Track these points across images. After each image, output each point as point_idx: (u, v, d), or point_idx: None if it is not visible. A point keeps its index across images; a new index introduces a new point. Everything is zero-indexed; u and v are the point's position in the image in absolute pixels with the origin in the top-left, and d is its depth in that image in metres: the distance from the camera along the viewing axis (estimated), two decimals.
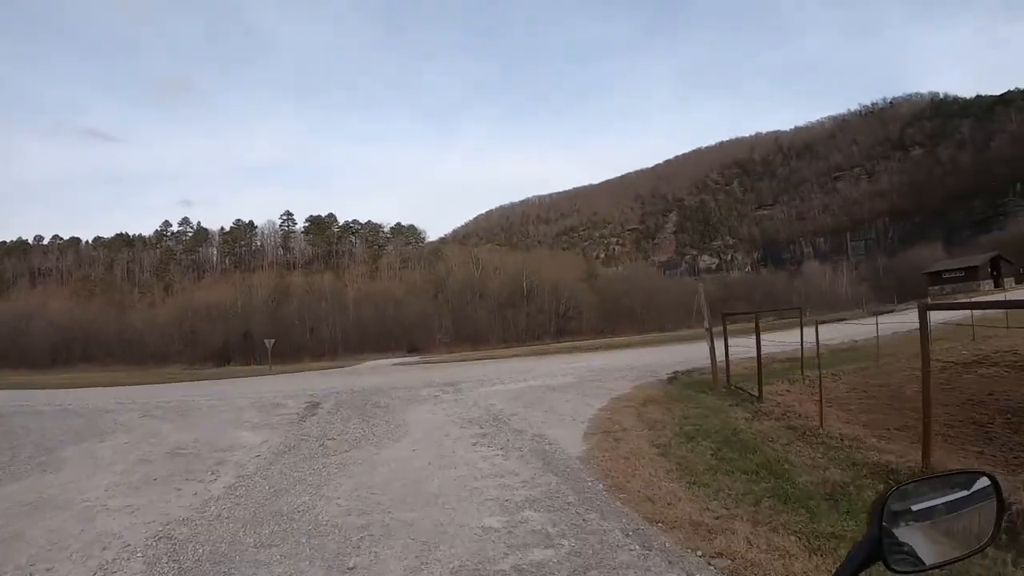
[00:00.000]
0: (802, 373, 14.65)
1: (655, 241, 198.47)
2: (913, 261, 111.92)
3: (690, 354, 21.71)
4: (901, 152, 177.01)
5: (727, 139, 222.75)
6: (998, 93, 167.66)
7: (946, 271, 73.61)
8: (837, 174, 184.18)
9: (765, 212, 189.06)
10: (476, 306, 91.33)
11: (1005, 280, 69.43)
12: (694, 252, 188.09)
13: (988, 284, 68.39)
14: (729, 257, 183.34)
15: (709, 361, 15.86)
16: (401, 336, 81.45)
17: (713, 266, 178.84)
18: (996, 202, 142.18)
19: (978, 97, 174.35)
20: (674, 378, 17.00)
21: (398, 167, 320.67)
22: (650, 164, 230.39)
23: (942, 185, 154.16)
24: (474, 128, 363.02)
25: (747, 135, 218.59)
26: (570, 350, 44.16)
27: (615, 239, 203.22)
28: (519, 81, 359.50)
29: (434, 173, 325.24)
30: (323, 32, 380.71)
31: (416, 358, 57.09)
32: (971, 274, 69.85)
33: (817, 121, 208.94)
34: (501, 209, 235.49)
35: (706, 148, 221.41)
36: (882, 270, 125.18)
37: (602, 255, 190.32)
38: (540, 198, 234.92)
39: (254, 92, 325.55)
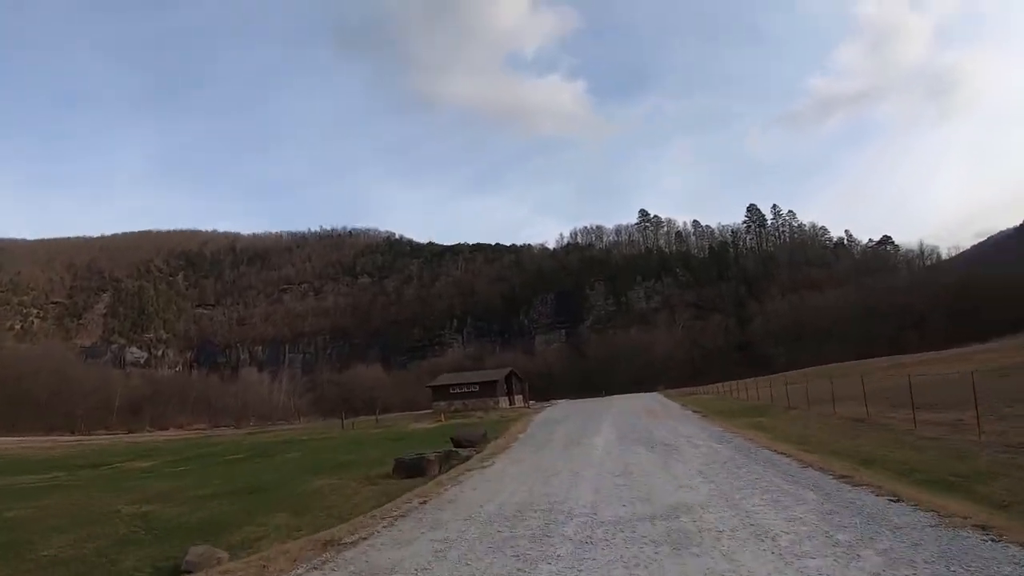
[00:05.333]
0: None
1: (81, 321, 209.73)
2: (356, 377, 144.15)
3: None
4: (351, 277, 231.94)
5: (183, 228, 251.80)
6: (448, 244, 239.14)
7: (456, 385, 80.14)
8: (286, 286, 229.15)
9: (206, 311, 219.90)
10: None
11: (515, 397, 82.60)
12: (123, 341, 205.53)
13: (504, 399, 77.63)
14: (160, 352, 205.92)
15: None
16: None
17: (142, 360, 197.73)
18: (433, 333, 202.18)
19: (430, 243, 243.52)
20: None
21: None
22: (95, 234, 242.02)
23: (385, 312, 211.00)
24: None
25: (205, 229, 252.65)
26: None
27: (36, 310, 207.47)
28: None
29: None
30: None
31: None
32: (488, 389, 77.18)
33: (276, 232, 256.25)
34: None
35: (158, 232, 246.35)
36: (325, 384, 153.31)
37: (18, 325, 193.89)
38: None
39: None
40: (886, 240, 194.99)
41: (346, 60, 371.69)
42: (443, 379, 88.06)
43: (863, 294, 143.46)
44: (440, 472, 19.15)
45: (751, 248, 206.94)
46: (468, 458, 22.28)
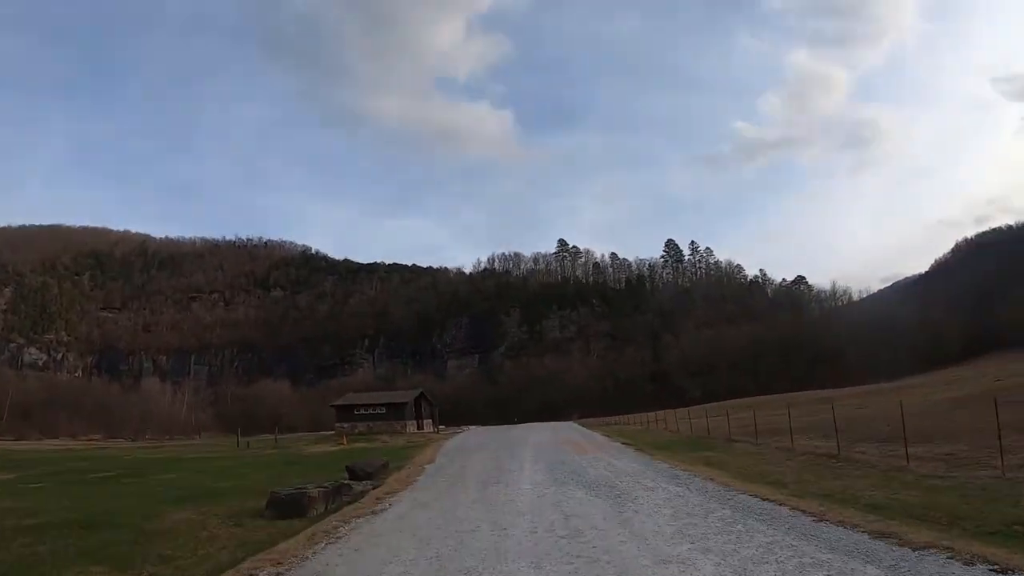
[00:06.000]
0: None
1: None
2: (261, 393, 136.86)
3: None
4: (263, 290, 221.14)
5: (94, 225, 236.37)
6: (364, 262, 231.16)
7: (361, 406, 72.69)
8: (195, 295, 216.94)
9: (110, 315, 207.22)
10: None
11: (424, 421, 74.17)
12: (22, 341, 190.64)
13: (413, 423, 70.81)
14: (60, 356, 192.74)
15: None
16: None
17: (40, 362, 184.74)
18: (344, 352, 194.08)
19: (346, 260, 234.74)
20: None
21: None
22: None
23: (297, 328, 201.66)
24: None
25: (116, 229, 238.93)
26: None
27: None
28: None
29: None
30: None
31: None
32: (396, 411, 70.45)
33: (189, 238, 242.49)
34: None
35: (67, 227, 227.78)
36: (230, 399, 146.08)
37: None
38: None
39: None
40: (800, 280, 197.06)
41: (275, 66, 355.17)
42: (348, 399, 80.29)
43: (777, 330, 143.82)
44: (326, 510, 15.39)
45: (668, 282, 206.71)
46: (363, 494, 18.14)
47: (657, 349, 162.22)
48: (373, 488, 19.20)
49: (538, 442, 37.11)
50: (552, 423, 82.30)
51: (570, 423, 79.53)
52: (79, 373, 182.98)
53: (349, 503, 16.47)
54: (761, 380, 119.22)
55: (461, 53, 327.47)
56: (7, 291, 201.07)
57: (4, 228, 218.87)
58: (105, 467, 32.70)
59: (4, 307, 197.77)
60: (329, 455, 37.85)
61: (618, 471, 19.75)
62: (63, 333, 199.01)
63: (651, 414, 71.55)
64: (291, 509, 14.82)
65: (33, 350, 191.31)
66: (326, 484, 17.27)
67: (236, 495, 17.95)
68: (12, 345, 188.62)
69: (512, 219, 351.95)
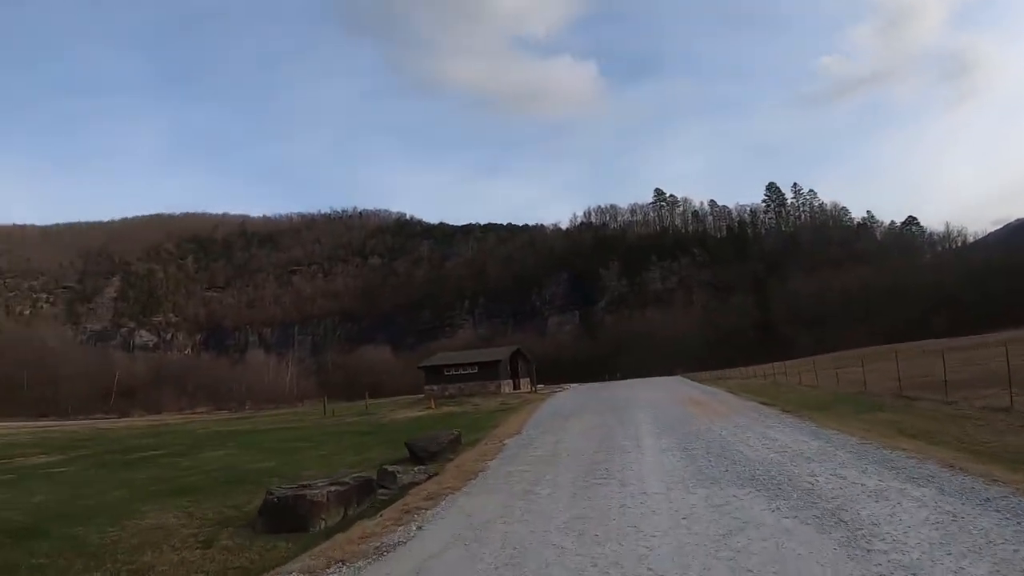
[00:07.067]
0: None
1: (91, 305, 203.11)
2: (363, 359, 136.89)
3: None
4: (361, 259, 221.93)
5: (193, 211, 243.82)
6: (459, 224, 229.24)
7: (451, 366, 66.22)
8: (295, 268, 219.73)
9: (215, 294, 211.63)
10: None
11: (521, 380, 68.70)
12: (133, 325, 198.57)
13: (508, 383, 64.78)
14: (170, 336, 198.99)
15: None
16: None
17: (151, 343, 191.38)
18: (444, 314, 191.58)
19: (441, 224, 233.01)
20: None
21: None
22: (105, 218, 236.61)
23: (395, 294, 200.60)
24: None
25: (215, 212, 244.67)
26: None
27: (46, 295, 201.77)
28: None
29: None
30: None
31: None
32: (489, 370, 63.46)
33: (287, 215, 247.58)
34: None
35: (168, 215, 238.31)
36: (331, 366, 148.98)
37: (28, 311, 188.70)
38: None
39: None
40: (911, 221, 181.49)
41: (355, 43, 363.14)
42: (437, 359, 72.70)
43: (889, 275, 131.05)
44: (343, 519, 10.43)
45: (771, 228, 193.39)
46: (404, 491, 12.46)
47: (762, 298, 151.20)
48: (427, 478, 13.43)
49: (652, 402, 30.27)
50: (657, 378, 75.34)
51: (677, 378, 72.40)
52: (188, 351, 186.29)
53: (373, 510, 10.87)
54: (875, 328, 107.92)
55: (536, 9, 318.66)
56: (116, 280, 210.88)
57: (109, 221, 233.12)
58: (165, 444, 30.05)
59: (114, 295, 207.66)
60: (413, 421, 33.99)
61: (787, 450, 12.80)
62: (171, 315, 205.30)
63: (760, 367, 63.78)
64: (287, 519, 10.11)
65: (144, 332, 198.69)
66: (346, 480, 11.71)
67: (260, 483, 14.15)
68: (124, 330, 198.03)
69: (605, 172, 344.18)
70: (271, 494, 10.62)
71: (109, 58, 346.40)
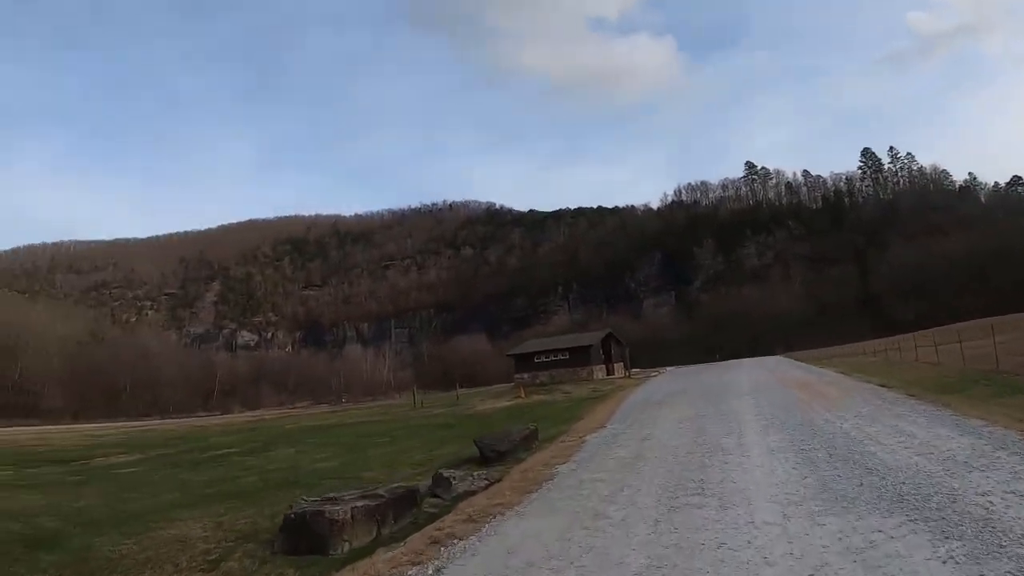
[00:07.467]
0: None
1: (193, 310, 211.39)
2: (458, 349, 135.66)
3: None
4: (453, 250, 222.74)
5: (286, 215, 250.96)
6: (549, 210, 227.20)
7: (541, 353, 63.23)
8: (389, 263, 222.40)
9: (312, 292, 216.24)
10: None
11: (614, 365, 64.73)
12: (234, 326, 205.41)
13: (601, 368, 61.21)
14: (270, 335, 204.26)
15: None
16: None
17: (252, 343, 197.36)
18: (538, 301, 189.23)
19: (531, 211, 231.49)
20: None
21: None
22: (202, 227, 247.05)
23: (488, 283, 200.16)
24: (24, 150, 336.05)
25: (307, 214, 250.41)
26: None
27: (150, 302, 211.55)
28: (95, 109, 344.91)
29: None
30: None
31: None
32: (580, 356, 60.09)
33: (378, 212, 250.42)
34: (29, 249, 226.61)
35: (263, 221, 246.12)
36: (427, 357, 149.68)
37: (134, 318, 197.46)
38: (75, 244, 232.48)
39: None
40: (1016, 181, 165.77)
41: (426, 38, 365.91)
42: (526, 346, 69.41)
43: (995, 239, 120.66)
44: (375, 540, 8.83)
45: (868, 195, 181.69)
46: (457, 499, 10.83)
47: (862, 269, 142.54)
48: (486, 485, 11.49)
49: (755, 386, 26.76)
50: (758, 358, 71.11)
51: (779, 358, 68.01)
52: (288, 349, 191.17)
53: (413, 528, 9.18)
54: (984, 297, 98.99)
55: None
56: (216, 285, 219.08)
57: (206, 230, 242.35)
58: (246, 441, 30.44)
59: (215, 299, 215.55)
60: (499, 412, 32.46)
61: (931, 451, 9.71)
62: (270, 314, 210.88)
63: (865, 343, 59.91)
64: (305, 539, 8.71)
65: (245, 333, 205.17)
66: (380, 493, 9.91)
67: (311, 486, 13.57)
68: (225, 331, 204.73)
69: (693, 148, 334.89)
70: (290, 514, 9.09)
71: (196, 77, 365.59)
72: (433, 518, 9.47)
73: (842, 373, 30.28)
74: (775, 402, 19.51)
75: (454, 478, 11.71)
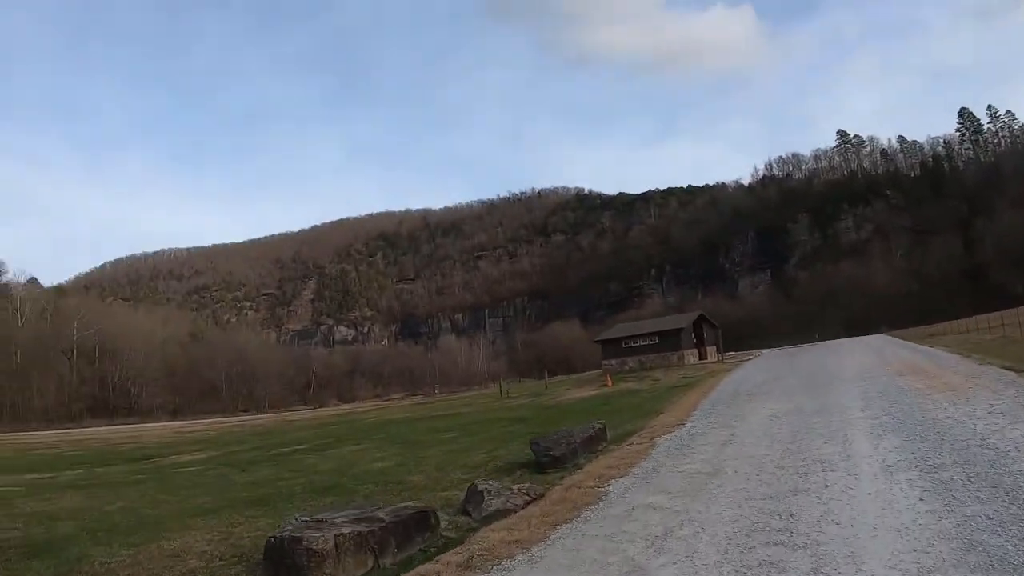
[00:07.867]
0: None
1: (291, 308, 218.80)
2: (551, 336, 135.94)
3: None
4: (543, 237, 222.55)
5: (377, 211, 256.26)
6: (638, 192, 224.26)
7: (629, 338, 60.72)
8: (480, 253, 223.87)
9: (406, 286, 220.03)
10: None
11: (706, 348, 61.67)
12: (331, 322, 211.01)
13: (692, 352, 58.51)
14: (366, 329, 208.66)
15: None
16: None
17: (350, 337, 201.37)
18: (631, 285, 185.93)
19: (620, 194, 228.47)
20: None
21: None
22: (296, 228, 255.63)
23: (581, 268, 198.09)
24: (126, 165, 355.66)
25: (397, 210, 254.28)
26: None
27: (249, 303, 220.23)
28: (187, 121, 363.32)
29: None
30: None
31: None
32: (670, 340, 57.59)
33: (467, 203, 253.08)
34: (132, 259, 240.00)
35: (354, 218, 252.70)
36: (521, 345, 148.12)
37: (233, 319, 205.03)
38: (176, 251, 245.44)
39: None
40: None
41: (504, 29, 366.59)
42: (615, 331, 66.23)
43: None
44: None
45: (969, 159, 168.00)
46: (485, 521, 9.06)
47: (968, 239, 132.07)
48: (524, 503, 9.54)
49: (860, 372, 23.48)
50: (861, 338, 66.66)
51: (882, 336, 63.82)
52: (384, 342, 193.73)
53: (421, 559, 7.52)
54: None
55: None
56: (312, 283, 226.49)
57: (300, 230, 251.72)
58: (319, 436, 30.29)
59: (311, 296, 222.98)
60: (582, 402, 30.48)
61: None
62: (366, 309, 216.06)
63: (974, 319, 55.94)
64: (284, 568, 7.22)
65: (342, 328, 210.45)
66: (379, 516, 7.87)
67: (348, 492, 12.97)
68: (323, 327, 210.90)
69: (780, 120, 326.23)
70: (278, 529, 7.91)
71: (283, 84, 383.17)
72: (444, 548, 7.67)
73: (957, 354, 26.47)
74: (886, 392, 16.45)
75: (488, 492, 9.65)
